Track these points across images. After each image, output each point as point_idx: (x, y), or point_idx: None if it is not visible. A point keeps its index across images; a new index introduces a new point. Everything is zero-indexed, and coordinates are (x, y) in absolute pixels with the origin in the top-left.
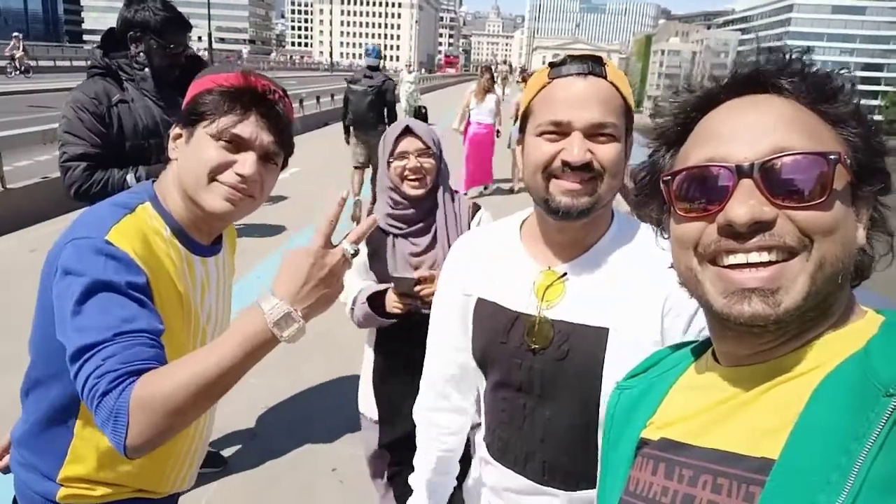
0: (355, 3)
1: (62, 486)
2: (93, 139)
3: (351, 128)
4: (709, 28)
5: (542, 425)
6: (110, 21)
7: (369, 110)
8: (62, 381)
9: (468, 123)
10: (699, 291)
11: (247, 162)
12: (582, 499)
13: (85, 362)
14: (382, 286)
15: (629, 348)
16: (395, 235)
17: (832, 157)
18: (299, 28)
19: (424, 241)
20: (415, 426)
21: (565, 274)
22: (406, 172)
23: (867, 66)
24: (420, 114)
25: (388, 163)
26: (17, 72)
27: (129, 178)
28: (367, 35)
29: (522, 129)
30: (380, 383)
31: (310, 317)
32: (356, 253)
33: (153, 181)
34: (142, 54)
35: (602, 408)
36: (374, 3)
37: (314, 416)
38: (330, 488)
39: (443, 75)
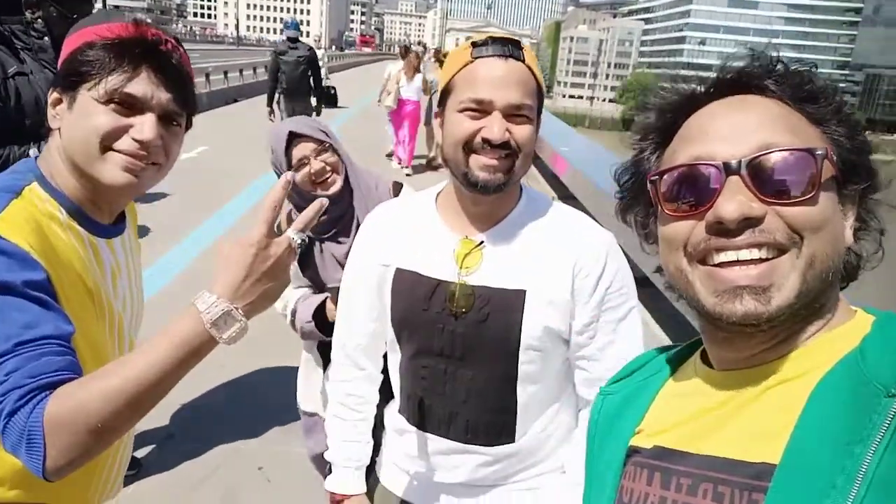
0: None
1: None
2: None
3: (281, 98)
4: (615, 17)
5: (465, 386)
6: None
7: (301, 78)
8: None
9: (401, 101)
10: (689, 292)
11: (145, 125)
12: (501, 453)
13: None
14: (320, 297)
15: (544, 306)
16: (321, 240)
17: (819, 152)
18: None
19: (349, 239)
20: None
21: (482, 242)
22: (313, 177)
23: (755, 57)
24: (329, 94)
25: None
26: None
27: (32, 152)
28: (274, 8)
29: (442, 104)
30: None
31: (252, 314)
32: (303, 243)
33: (36, 157)
34: (39, 20)
35: (520, 363)
36: None
37: (234, 411)
38: (256, 489)
39: (357, 53)
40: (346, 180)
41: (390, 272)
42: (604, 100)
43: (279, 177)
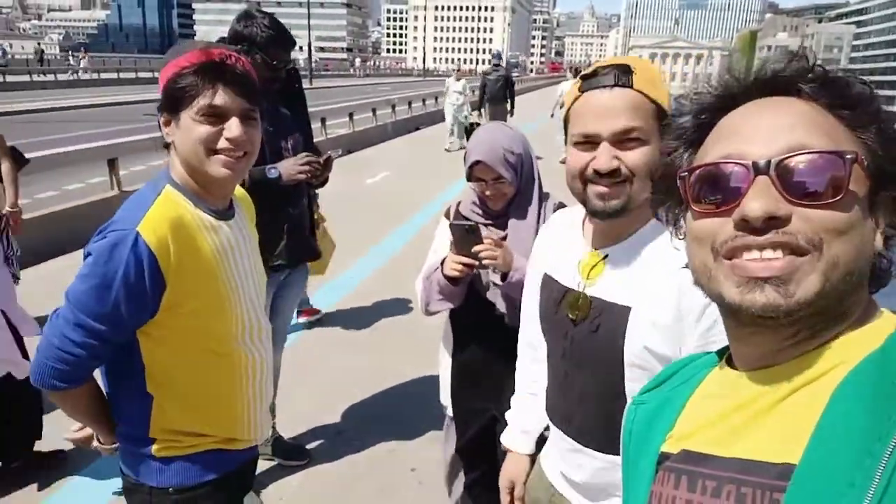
0: (449, 10)
1: (155, 441)
2: None
3: (486, 105)
4: (820, 22)
5: (578, 391)
6: (220, 32)
7: (499, 91)
8: (116, 349)
9: None
10: (713, 286)
11: (232, 127)
12: (615, 462)
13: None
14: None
15: (646, 326)
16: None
17: (848, 156)
18: (394, 35)
19: (502, 233)
20: (492, 434)
21: (606, 256)
22: (485, 192)
23: None
24: (470, 131)
25: (469, 177)
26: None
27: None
28: (460, 40)
29: (566, 136)
30: (457, 389)
31: None
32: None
33: (165, 169)
34: None
35: (626, 378)
36: (467, 8)
37: (396, 413)
38: (409, 489)
39: (535, 76)
40: (516, 195)
41: (541, 276)
42: None
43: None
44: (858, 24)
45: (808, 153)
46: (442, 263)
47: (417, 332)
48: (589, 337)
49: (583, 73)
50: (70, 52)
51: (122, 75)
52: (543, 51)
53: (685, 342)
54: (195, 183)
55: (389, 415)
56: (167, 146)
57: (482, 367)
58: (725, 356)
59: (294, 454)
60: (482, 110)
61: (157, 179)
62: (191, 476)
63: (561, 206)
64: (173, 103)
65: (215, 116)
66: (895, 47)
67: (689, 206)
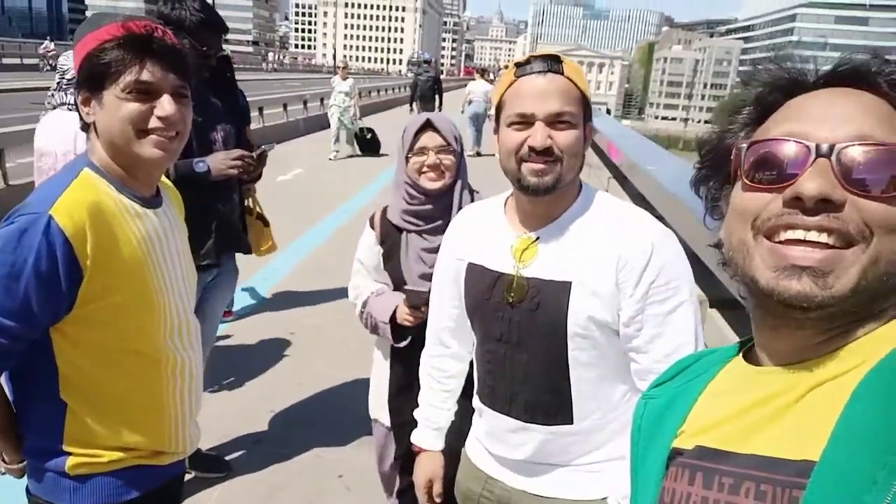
0: (359, 7)
1: (69, 455)
2: None
3: (416, 102)
4: (711, 36)
5: (522, 369)
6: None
7: (429, 91)
8: (28, 354)
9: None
10: (746, 266)
11: (164, 104)
12: (559, 433)
13: None
14: (396, 297)
15: (587, 296)
16: (409, 231)
17: None
18: (303, 30)
19: (438, 239)
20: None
21: (538, 238)
22: (424, 168)
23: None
24: (364, 139)
25: (407, 158)
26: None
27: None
28: (371, 38)
29: (497, 121)
30: (395, 395)
31: None
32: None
33: (84, 152)
34: None
35: (569, 349)
36: (377, 7)
37: (319, 418)
38: (337, 496)
39: (446, 78)
40: (451, 189)
41: (464, 266)
42: (699, 121)
43: (404, 156)
44: (746, 39)
45: (873, 144)
46: (393, 313)
47: (337, 335)
48: (529, 316)
49: (516, 61)
50: None
51: (5, 61)
52: (454, 53)
53: (622, 308)
54: (119, 167)
55: (313, 420)
56: (85, 128)
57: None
58: (742, 352)
59: (212, 466)
60: (413, 106)
61: (75, 163)
62: (110, 495)
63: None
64: (94, 80)
65: (144, 93)
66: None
67: (742, 178)
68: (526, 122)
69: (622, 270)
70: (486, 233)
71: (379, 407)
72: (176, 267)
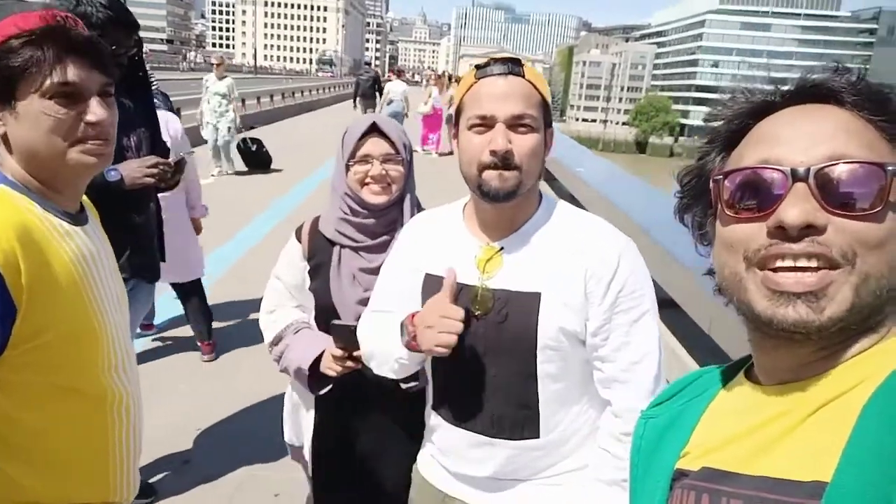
0: (280, 6)
1: None
2: None
3: (358, 99)
4: (627, 41)
5: (489, 382)
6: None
7: (370, 89)
8: None
9: (436, 108)
10: (741, 295)
11: (94, 109)
12: (526, 447)
13: None
14: (320, 341)
15: (558, 307)
16: (344, 247)
17: (890, 168)
18: (221, 29)
19: (378, 258)
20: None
21: (502, 248)
22: (367, 179)
23: (773, 80)
24: (250, 152)
25: (347, 166)
26: None
27: None
28: (292, 38)
29: (456, 124)
30: (317, 444)
31: None
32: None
33: None
34: None
35: (539, 361)
36: (299, 6)
37: (250, 435)
38: None
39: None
40: (399, 202)
41: (420, 276)
42: (617, 123)
43: (344, 164)
44: (659, 44)
45: (848, 163)
46: (316, 360)
47: (258, 348)
48: (497, 328)
49: (477, 63)
50: None
51: None
52: (378, 54)
53: (590, 318)
54: (38, 181)
55: (244, 438)
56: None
57: (353, 445)
58: (744, 370)
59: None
60: (355, 103)
61: None
62: None
63: None
64: (4, 85)
65: (69, 97)
66: (688, 66)
67: (722, 210)
68: (485, 124)
69: (590, 281)
70: (443, 242)
71: (297, 434)
72: (110, 290)
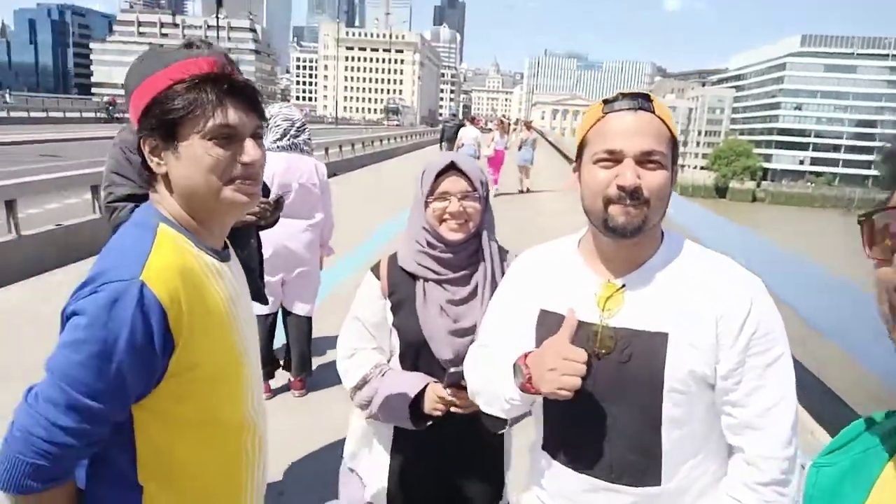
0: (359, 60)
1: None
2: (140, 181)
3: (444, 143)
4: (703, 85)
5: (609, 426)
6: (117, 75)
7: (454, 134)
8: (116, 437)
9: (497, 150)
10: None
11: (249, 150)
12: (645, 493)
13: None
14: (417, 380)
15: (687, 349)
16: (428, 280)
17: None
18: (304, 83)
19: (462, 291)
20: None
21: (624, 285)
22: (445, 215)
23: (861, 123)
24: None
25: (426, 202)
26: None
27: None
28: (370, 90)
29: (578, 158)
30: (397, 488)
31: None
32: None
33: (148, 204)
34: None
35: (664, 405)
36: (377, 60)
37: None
38: None
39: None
40: (476, 237)
41: (534, 313)
42: (694, 167)
43: (423, 201)
44: (737, 87)
45: None
46: (418, 396)
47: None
48: (618, 369)
49: (605, 98)
50: None
51: (12, 114)
52: (452, 103)
53: (720, 361)
54: (193, 220)
55: (321, 473)
56: (149, 180)
57: (434, 486)
58: None
59: None
60: (441, 146)
61: (143, 217)
62: None
63: (502, 250)
64: (168, 127)
65: (226, 138)
66: (770, 110)
67: (865, 248)
68: (613, 159)
69: (721, 321)
70: (559, 278)
71: (358, 458)
72: (250, 325)
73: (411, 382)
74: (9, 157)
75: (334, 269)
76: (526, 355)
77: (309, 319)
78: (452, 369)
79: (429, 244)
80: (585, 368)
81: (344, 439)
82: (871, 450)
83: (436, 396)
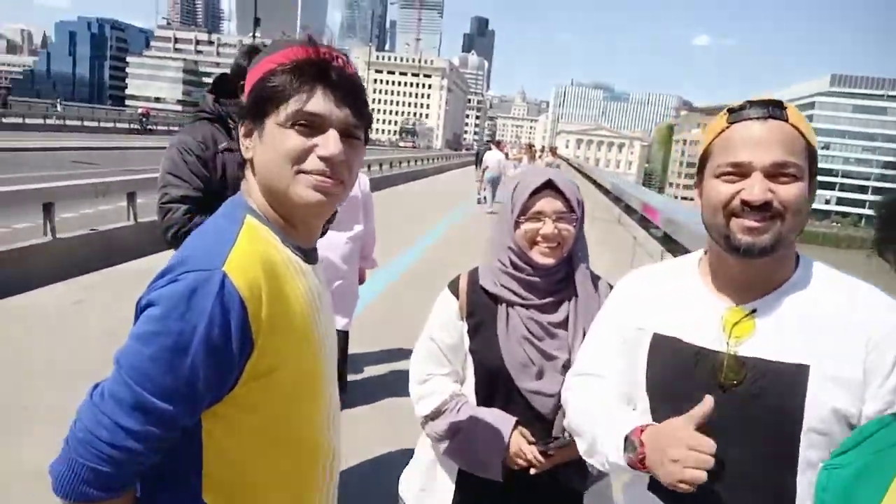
0: (387, 84)
1: None
2: (196, 182)
3: (479, 165)
4: None
5: (732, 468)
6: (151, 89)
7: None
8: (183, 445)
9: None
10: None
11: (329, 141)
12: None
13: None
14: (504, 421)
15: (831, 385)
16: (512, 305)
17: None
18: None
19: (553, 318)
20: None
21: (754, 311)
22: (538, 238)
23: (888, 164)
24: None
25: (517, 222)
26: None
27: None
28: (398, 113)
29: (700, 172)
30: None
31: None
32: None
33: (238, 195)
34: None
35: (801, 447)
36: (405, 84)
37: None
38: None
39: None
40: (567, 262)
41: (647, 337)
42: None
43: (513, 220)
44: None
45: None
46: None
47: (386, 405)
48: (746, 404)
49: (730, 107)
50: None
51: (48, 121)
52: (476, 129)
53: (867, 399)
54: (278, 214)
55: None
56: (241, 164)
57: None
58: None
59: None
60: (477, 171)
61: (232, 208)
62: None
63: (595, 276)
64: (258, 107)
65: (309, 126)
66: None
67: None
68: (739, 172)
69: (872, 355)
70: (675, 300)
71: (415, 493)
72: (330, 336)
73: (495, 431)
74: (34, 162)
75: (366, 283)
76: (642, 429)
77: (346, 334)
78: (562, 438)
79: (514, 265)
80: (713, 461)
81: (366, 461)
82: (884, 451)
83: (521, 450)
